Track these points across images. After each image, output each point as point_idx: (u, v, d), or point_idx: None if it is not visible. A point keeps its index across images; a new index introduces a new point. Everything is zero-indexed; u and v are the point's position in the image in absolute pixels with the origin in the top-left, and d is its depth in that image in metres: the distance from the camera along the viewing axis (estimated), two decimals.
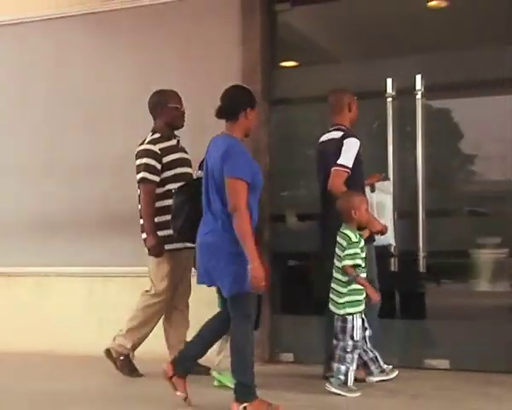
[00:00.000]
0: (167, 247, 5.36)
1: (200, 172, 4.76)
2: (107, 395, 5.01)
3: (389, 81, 5.69)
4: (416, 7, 6.06)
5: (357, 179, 5.07)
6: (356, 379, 4.90)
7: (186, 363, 4.55)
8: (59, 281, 6.67)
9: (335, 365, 4.86)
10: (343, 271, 4.85)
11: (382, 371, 5.07)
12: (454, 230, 5.69)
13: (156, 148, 5.40)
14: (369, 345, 4.97)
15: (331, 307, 4.94)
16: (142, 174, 5.35)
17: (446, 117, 5.90)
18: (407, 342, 5.75)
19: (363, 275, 4.88)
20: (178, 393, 4.47)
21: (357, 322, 4.85)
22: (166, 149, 5.43)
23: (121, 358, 5.49)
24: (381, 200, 5.38)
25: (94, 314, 6.47)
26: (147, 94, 6.13)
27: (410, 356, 5.63)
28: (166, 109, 5.49)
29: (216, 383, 5.06)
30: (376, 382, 5.03)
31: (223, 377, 5.00)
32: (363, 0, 6.14)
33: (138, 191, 5.45)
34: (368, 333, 4.94)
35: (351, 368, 4.82)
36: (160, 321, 5.58)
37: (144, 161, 5.36)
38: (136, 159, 5.43)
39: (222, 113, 4.45)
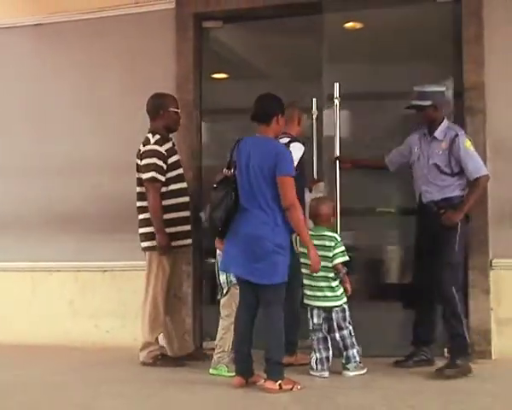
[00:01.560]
0: (172, 243, 5.60)
1: (227, 170, 4.97)
2: (51, 383, 5.25)
3: (314, 100, 6.17)
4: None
5: (299, 182, 5.45)
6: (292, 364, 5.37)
7: (249, 364, 4.91)
8: (4, 275, 6.93)
9: (349, 352, 5.23)
10: (335, 268, 5.20)
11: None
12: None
13: (163, 149, 5.58)
14: None
15: (324, 303, 5.24)
16: (152, 174, 5.50)
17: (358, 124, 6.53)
18: None
19: None
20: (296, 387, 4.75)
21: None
22: (169, 150, 5.64)
23: (159, 359, 5.64)
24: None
25: (37, 306, 6.80)
26: (90, 101, 6.67)
27: None
28: (168, 113, 5.71)
29: (213, 371, 5.32)
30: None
31: (218, 370, 5.29)
32: (289, 21, 6.70)
33: (138, 189, 5.68)
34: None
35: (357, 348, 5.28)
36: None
37: (154, 160, 5.50)
38: (143, 158, 5.56)
39: (257, 116, 4.90)
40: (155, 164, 5.54)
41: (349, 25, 7.10)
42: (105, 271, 6.64)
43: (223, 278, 5.30)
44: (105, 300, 6.62)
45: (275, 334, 4.76)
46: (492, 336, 5.68)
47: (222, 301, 5.37)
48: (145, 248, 5.71)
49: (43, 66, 7.04)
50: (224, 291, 5.32)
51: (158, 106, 5.73)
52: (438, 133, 5.39)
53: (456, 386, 4.87)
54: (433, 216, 5.36)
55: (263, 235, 4.73)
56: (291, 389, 4.74)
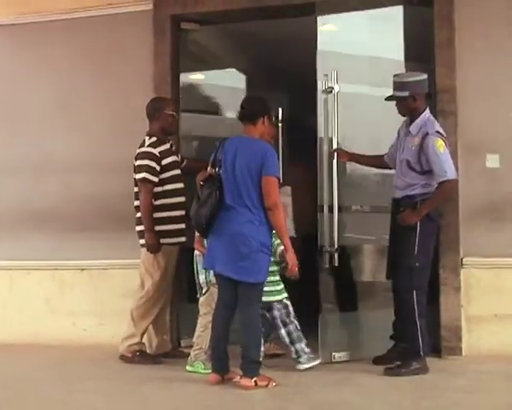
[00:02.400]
0: (164, 241, 5.72)
1: (211, 169, 4.99)
2: (29, 380, 5.32)
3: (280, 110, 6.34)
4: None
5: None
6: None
7: (225, 361, 4.98)
8: None
9: (297, 346, 5.30)
10: (280, 256, 5.20)
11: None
12: None
13: (156, 151, 5.71)
14: None
15: (267, 298, 5.25)
16: (143, 174, 5.65)
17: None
18: None
19: None
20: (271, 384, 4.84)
21: None
22: (164, 151, 5.76)
23: (137, 355, 5.74)
24: (284, 201, 6.18)
25: (14, 305, 6.81)
26: (64, 102, 6.70)
27: None
28: (163, 115, 5.82)
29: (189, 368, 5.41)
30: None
31: (194, 367, 5.38)
32: (265, 23, 6.81)
33: (135, 189, 5.81)
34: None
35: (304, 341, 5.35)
36: None
37: (146, 162, 5.67)
38: (137, 160, 5.73)
39: (244, 116, 5.02)
40: (147, 165, 5.68)
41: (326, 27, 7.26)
42: (82, 269, 6.68)
43: (202, 277, 5.36)
44: (82, 298, 6.65)
45: (253, 332, 4.85)
46: (463, 333, 5.79)
47: (201, 299, 5.44)
48: (143, 245, 5.83)
49: (16, 66, 7.02)
50: (204, 290, 5.38)
51: (154, 109, 5.86)
52: (413, 127, 5.25)
53: (429, 382, 4.99)
54: (394, 215, 5.34)
55: (248, 233, 4.79)
56: (266, 385, 4.83)
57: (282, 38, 7.02)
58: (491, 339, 5.79)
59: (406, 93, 5.24)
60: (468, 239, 5.84)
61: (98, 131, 6.73)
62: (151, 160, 5.71)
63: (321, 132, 5.73)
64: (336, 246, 5.55)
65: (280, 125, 6.29)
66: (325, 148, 5.70)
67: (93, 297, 6.63)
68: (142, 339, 5.82)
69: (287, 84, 7.86)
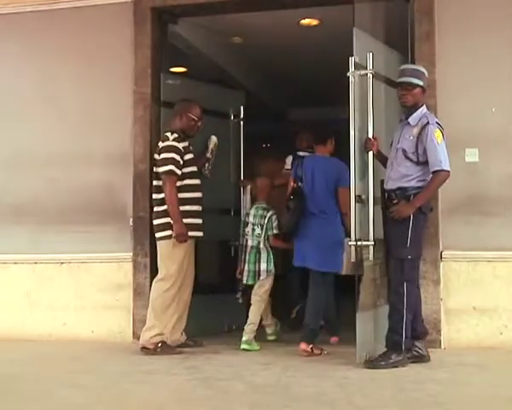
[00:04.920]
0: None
1: (294, 184, 5.95)
2: (7, 375, 5.29)
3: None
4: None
5: None
6: None
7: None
8: None
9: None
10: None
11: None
12: None
13: (180, 146, 5.89)
14: None
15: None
16: (170, 167, 5.80)
17: None
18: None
19: None
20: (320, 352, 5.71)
21: None
22: (185, 148, 5.95)
23: (159, 347, 5.84)
24: None
25: None
26: (45, 94, 6.67)
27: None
28: (186, 117, 6.00)
29: (246, 346, 6.02)
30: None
31: (252, 345, 6.03)
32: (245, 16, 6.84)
33: (155, 182, 5.94)
34: None
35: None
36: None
37: (172, 155, 5.83)
38: (162, 153, 5.86)
39: (317, 139, 5.99)
40: (173, 158, 5.83)
41: (305, 21, 7.31)
42: (62, 263, 6.66)
43: (264, 266, 6.17)
44: (62, 292, 6.64)
45: (317, 306, 5.77)
46: (442, 325, 5.86)
47: (256, 286, 6.19)
48: (161, 238, 5.90)
49: None
50: (261, 278, 6.15)
51: (181, 108, 6.07)
52: (412, 119, 5.26)
53: (409, 375, 5.02)
54: (389, 207, 5.27)
55: (331, 233, 5.73)
56: (319, 354, 5.67)
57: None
58: (470, 332, 5.86)
59: (421, 82, 5.28)
60: (447, 233, 5.90)
61: (78, 123, 6.73)
62: (177, 153, 5.86)
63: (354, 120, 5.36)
64: (373, 239, 5.32)
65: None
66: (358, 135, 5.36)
67: (73, 291, 6.63)
68: (163, 331, 5.86)
69: None
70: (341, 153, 5.74)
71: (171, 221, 5.81)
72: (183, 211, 5.84)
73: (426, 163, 5.20)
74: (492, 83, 5.95)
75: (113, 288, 6.50)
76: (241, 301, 6.50)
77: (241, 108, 7.01)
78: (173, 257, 5.88)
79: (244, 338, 6.01)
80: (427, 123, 5.19)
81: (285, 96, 10.47)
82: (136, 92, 6.54)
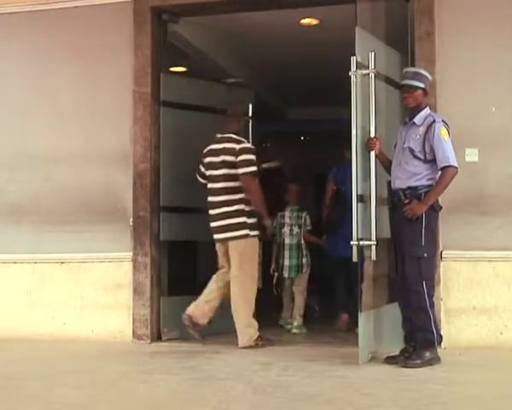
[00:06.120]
0: (254, 232, 6.08)
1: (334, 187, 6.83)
2: (6, 374, 5.31)
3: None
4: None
5: None
6: None
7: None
8: None
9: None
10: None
11: None
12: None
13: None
14: None
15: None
16: (254, 168, 5.98)
17: None
18: None
19: None
20: None
21: None
22: None
23: (260, 343, 5.99)
24: None
25: None
26: (45, 94, 6.65)
27: None
28: (243, 120, 6.31)
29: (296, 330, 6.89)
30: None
31: (302, 329, 6.92)
32: (244, 16, 6.84)
33: (222, 184, 6.01)
34: None
35: None
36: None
37: (251, 157, 6.00)
38: (242, 154, 5.99)
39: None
40: (254, 160, 6.02)
41: (305, 21, 7.31)
42: (62, 263, 6.65)
43: (305, 260, 6.98)
44: (62, 292, 6.63)
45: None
46: (442, 325, 5.84)
47: (300, 277, 7.03)
48: (239, 237, 6.00)
49: None
50: (304, 270, 7.00)
51: (241, 111, 6.30)
52: (417, 119, 5.30)
53: (409, 374, 5.01)
54: (399, 206, 5.28)
55: None
56: None
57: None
58: (470, 331, 5.85)
59: (422, 84, 5.32)
60: (447, 232, 5.88)
61: (78, 122, 6.71)
62: (254, 154, 6.04)
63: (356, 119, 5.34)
64: (375, 239, 5.31)
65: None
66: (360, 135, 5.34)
67: (72, 291, 6.62)
68: (255, 325, 6.03)
69: None
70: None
71: (247, 220, 6.00)
72: (249, 211, 6.04)
73: (433, 161, 5.24)
74: (492, 83, 5.95)
75: (113, 287, 6.50)
76: (276, 292, 7.11)
77: (250, 106, 6.94)
78: (254, 255, 6.09)
79: (295, 323, 6.92)
80: (434, 121, 5.25)
81: (285, 96, 10.47)
82: (136, 92, 6.54)
